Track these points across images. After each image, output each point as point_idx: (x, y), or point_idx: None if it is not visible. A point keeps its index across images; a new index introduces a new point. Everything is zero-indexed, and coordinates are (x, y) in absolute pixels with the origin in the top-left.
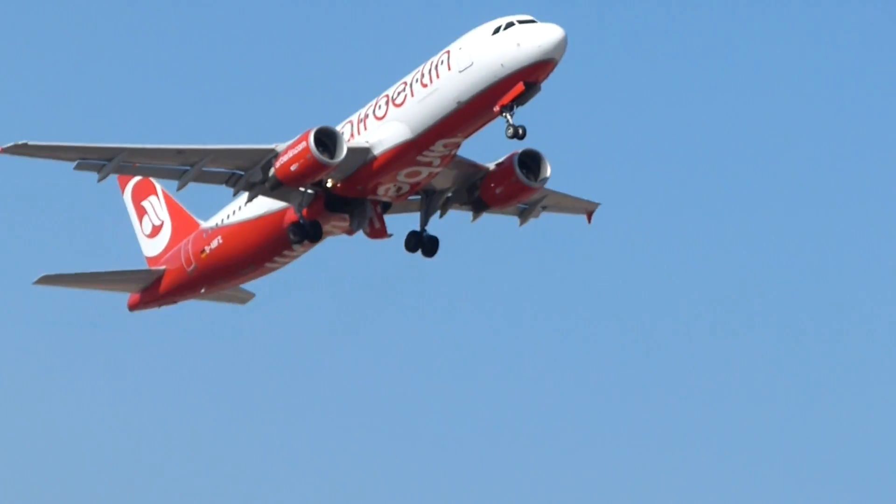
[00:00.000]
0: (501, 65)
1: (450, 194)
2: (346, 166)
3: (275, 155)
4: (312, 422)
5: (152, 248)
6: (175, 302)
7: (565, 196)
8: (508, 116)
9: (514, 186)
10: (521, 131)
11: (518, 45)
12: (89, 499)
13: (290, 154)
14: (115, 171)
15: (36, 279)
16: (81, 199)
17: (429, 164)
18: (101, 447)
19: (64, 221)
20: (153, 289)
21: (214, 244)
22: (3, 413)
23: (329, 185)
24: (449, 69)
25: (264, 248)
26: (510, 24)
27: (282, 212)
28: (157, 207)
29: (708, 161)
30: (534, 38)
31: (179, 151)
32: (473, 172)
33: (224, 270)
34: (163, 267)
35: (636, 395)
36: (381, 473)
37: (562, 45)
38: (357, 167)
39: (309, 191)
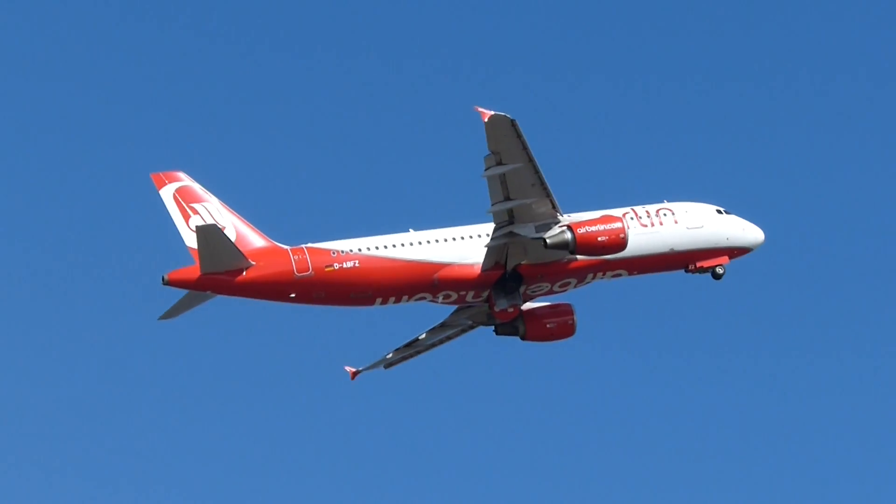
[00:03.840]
0: (727, 238)
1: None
2: (559, 255)
3: (555, 221)
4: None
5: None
6: (205, 291)
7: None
8: (702, 273)
9: (567, 328)
10: (721, 274)
11: (743, 230)
12: None
13: (601, 227)
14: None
15: (199, 224)
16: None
17: (582, 281)
18: None
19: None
20: (229, 275)
21: (348, 265)
22: None
23: (524, 262)
24: (676, 222)
25: (396, 288)
26: (727, 211)
27: (435, 265)
28: (212, 212)
29: None
30: (754, 232)
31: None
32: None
33: (340, 288)
34: (252, 262)
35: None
36: None
37: (762, 244)
38: (556, 259)
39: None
